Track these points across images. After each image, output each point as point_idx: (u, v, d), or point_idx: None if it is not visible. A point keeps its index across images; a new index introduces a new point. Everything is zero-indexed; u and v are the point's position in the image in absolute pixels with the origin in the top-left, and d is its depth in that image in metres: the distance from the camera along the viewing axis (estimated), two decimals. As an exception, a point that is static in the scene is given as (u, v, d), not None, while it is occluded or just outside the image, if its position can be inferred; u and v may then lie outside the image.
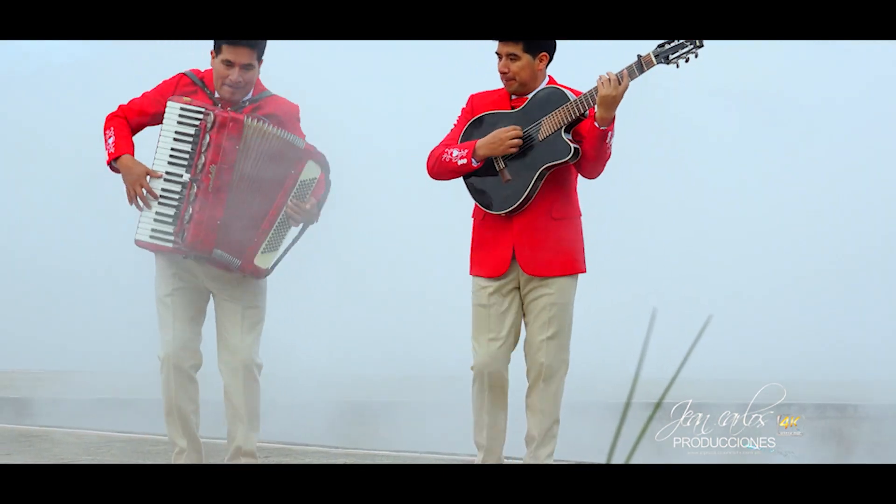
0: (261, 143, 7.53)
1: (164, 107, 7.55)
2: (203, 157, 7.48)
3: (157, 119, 7.60)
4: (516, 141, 7.40)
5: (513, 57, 7.42)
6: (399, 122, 14.36)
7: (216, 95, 7.60)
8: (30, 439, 10.16)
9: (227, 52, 7.49)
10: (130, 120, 7.62)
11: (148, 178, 7.48)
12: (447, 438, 8.18)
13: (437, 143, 7.67)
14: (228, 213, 7.50)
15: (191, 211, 7.45)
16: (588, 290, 14.61)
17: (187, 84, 7.64)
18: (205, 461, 7.84)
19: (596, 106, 7.22)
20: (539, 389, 7.57)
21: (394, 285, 14.14)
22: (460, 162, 7.47)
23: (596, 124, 7.23)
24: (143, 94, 7.66)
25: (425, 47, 12.60)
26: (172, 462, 7.74)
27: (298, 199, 7.57)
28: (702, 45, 7.19)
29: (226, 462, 7.69)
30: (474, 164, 7.45)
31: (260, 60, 7.58)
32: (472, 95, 7.68)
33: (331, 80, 15.00)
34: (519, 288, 7.56)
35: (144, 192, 7.45)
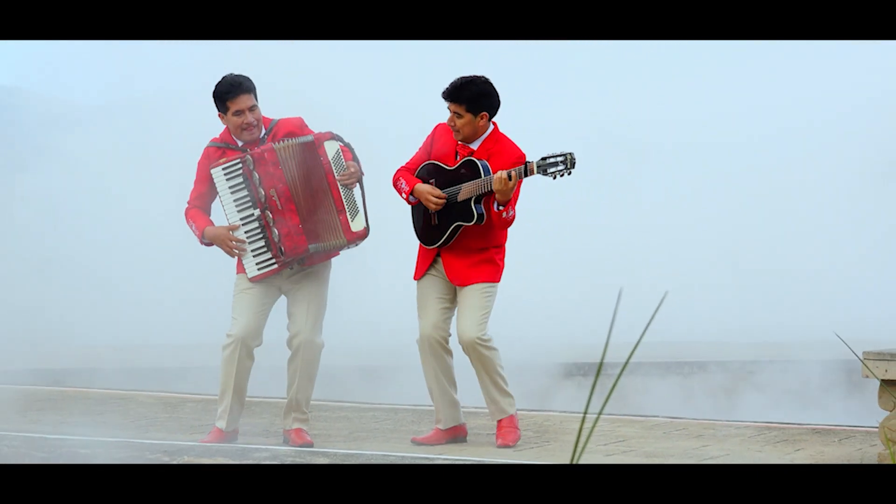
0: (291, 155, 7.69)
1: (211, 184, 7.77)
2: (262, 189, 7.67)
3: (212, 195, 7.84)
4: (435, 206, 7.64)
5: (458, 115, 7.63)
6: (399, 120, 14.23)
7: (241, 144, 7.77)
8: (117, 400, 10.19)
9: (234, 105, 7.67)
10: (199, 206, 7.85)
11: (231, 232, 7.72)
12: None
13: (408, 158, 7.88)
14: (303, 216, 7.67)
15: (276, 231, 7.65)
16: (571, 274, 14.68)
17: (215, 151, 7.83)
18: (244, 416, 7.96)
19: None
20: (473, 360, 7.72)
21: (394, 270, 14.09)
22: (403, 194, 7.80)
23: (495, 205, 7.50)
24: (194, 183, 7.86)
25: (425, 47, 12.46)
26: (217, 422, 7.83)
27: (340, 170, 7.72)
28: (573, 166, 7.38)
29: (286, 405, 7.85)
30: (411, 200, 7.77)
31: (256, 98, 7.75)
32: (438, 125, 7.85)
33: (329, 79, 14.92)
34: (447, 282, 7.77)
35: (235, 243, 7.70)
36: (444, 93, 7.64)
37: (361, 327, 13.63)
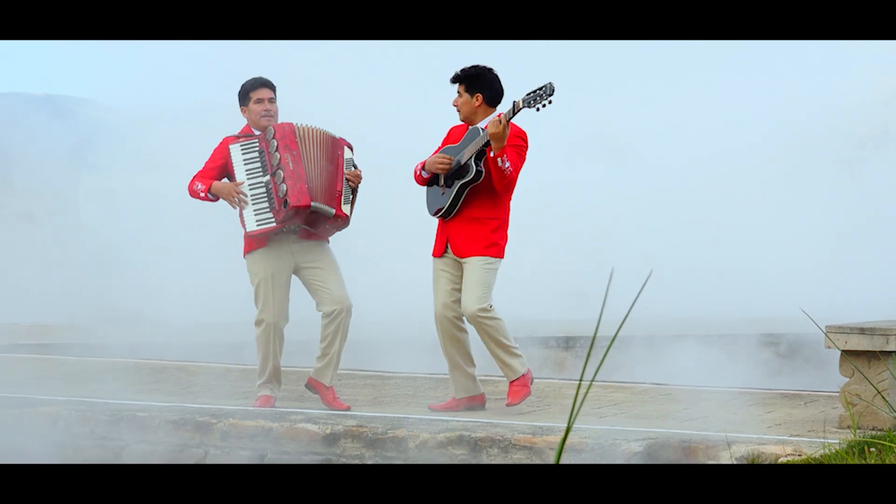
0: (312, 138, 7.68)
1: (227, 159, 7.69)
2: (277, 154, 7.59)
3: (223, 170, 7.73)
4: (443, 166, 7.49)
5: (458, 94, 7.57)
6: (400, 121, 14.05)
7: (257, 134, 7.73)
8: (172, 371, 10.21)
9: (256, 94, 7.70)
10: (206, 176, 7.72)
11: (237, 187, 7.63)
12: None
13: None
14: (310, 178, 7.61)
15: (284, 187, 7.56)
16: (570, 258, 14.61)
17: (233, 140, 7.74)
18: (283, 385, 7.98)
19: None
20: (479, 331, 7.57)
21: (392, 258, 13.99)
22: (418, 173, 7.66)
23: (491, 154, 7.35)
24: (206, 162, 7.75)
25: (425, 48, 12.30)
26: (256, 389, 7.85)
27: (349, 170, 7.75)
28: (553, 93, 7.22)
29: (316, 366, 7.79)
30: (424, 175, 7.61)
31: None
32: (452, 128, 7.77)
33: (329, 79, 14.79)
34: (456, 262, 7.61)
35: (239, 196, 7.60)
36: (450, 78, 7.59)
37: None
